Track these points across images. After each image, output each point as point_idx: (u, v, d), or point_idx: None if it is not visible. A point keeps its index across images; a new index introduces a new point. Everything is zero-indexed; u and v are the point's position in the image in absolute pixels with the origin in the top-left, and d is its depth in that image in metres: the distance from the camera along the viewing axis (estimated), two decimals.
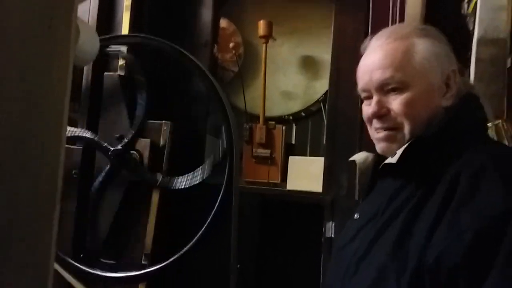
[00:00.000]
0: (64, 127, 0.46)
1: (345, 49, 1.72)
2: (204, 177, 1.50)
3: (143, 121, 1.57)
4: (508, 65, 1.46)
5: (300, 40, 2.18)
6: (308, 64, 2.17)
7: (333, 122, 1.74)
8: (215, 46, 1.97)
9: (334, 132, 1.72)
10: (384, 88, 0.87)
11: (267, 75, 2.01)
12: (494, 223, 0.68)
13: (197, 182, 1.50)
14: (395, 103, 0.86)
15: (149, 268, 1.45)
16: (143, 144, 1.55)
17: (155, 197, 1.54)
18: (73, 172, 1.55)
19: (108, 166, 1.51)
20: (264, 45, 2.01)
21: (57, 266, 1.40)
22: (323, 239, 1.60)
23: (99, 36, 1.35)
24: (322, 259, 1.60)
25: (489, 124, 1.37)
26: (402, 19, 1.55)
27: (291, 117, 2.17)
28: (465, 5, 1.63)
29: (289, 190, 1.85)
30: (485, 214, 0.69)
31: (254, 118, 2.05)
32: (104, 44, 1.26)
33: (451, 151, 0.81)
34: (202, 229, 1.43)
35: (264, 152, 1.91)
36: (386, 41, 0.89)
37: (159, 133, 1.58)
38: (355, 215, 0.95)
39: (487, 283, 0.65)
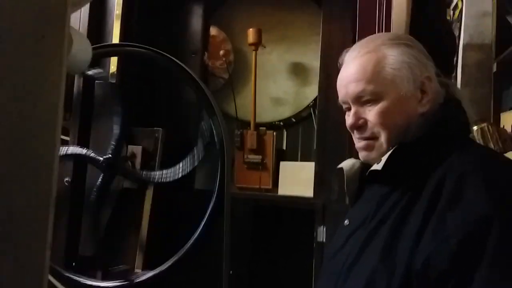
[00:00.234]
0: (58, 134, 0.46)
1: (333, 55, 1.75)
2: (196, 163, 1.50)
3: (125, 127, 1.58)
4: (494, 70, 1.49)
5: (289, 47, 2.21)
6: (298, 71, 2.20)
7: (323, 128, 1.76)
8: (206, 53, 1.99)
9: (324, 137, 1.75)
10: (360, 100, 0.90)
11: (257, 82, 2.03)
12: (478, 228, 0.69)
13: (190, 169, 1.49)
14: (371, 114, 0.88)
15: (141, 276, 1.45)
16: (135, 151, 1.56)
17: (147, 204, 1.54)
18: (65, 180, 1.56)
19: (102, 175, 1.51)
20: (254, 52, 2.03)
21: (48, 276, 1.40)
22: (314, 244, 1.61)
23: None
24: (314, 263, 1.61)
25: (475, 128, 1.40)
26: (388, 26, 1.58)
27: (281, 123, 2.20)
28: (451, 12, 1.66)
29: (280, 195, 1.86)
30: (469, 219, 0.70)
31: (245, 124, 2.07)
32: (95, 52, 1.27)
33: (435, 156, 0.82)
34: (194, 236, 1.43)
35: (255, 158, 1.92)
36: (358, 54, 0.91)
37: (151, 139, 1.59)
38: (345, 222, 0.96)
39: (473, 286, 0.66)
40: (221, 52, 2.15)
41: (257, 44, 2.02)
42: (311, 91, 2.13)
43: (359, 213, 0.91)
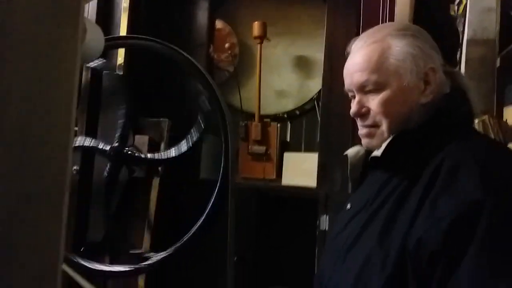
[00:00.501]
0: (72, 120, 0.48)
1: (337, 48, 1.77)
2: (197, 136, 1.54)
3: (132, 117, 1.61)
4: (497, 65, 1.51)
5: (294, 40, 2.24)
6: (302, 64, 2.22)
7: (326, 120, 1.79)
8: (211, 46, 2.02)
9: (327, 129, 1.77)
10: (364, 89, 0.92)
11: (262, 75, 2.06)
12: (469, 212, 0.71)
13: (194, 140, 1.53)
14: (373, 103, 0.91)
15: (147, 261, 1.48)
16: (142, 141, 1.60)
17: (154, 192, 1.58)
18: (73, 168, 1.60)
19: (109, 164, 1.55)
20: (258, 45, 2.06)
21: None
22: (317, 232, 1.64)
23: None
24: (316, 251, 1.65)
25: (476, 120, 1.42)
26: (392, 20, 1.60)
27: (285, 115, 2.22)
28: (455, 7, 1.68)
29: (284, 186, 1.89)
30: (461, 203, 0.72)
31: (250, 116, 2.10)
32: (106, 44, 1.30)
33: (434, 144, 0.85)
34: (199, 223, 1.46)
35: (259, 149, 1.96)
36: (365, 44, 0.94)
37: (157, 130, 1.63)
38: (347, 206, 1.00)
39: (460, 269, 0.69)
40: (227, 45, 2.18)
41: (262, 37, 2.05)
42: (315, 84, 2.16)
43: (360, 197, 0.94)
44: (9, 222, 0.42)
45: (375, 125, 0.92)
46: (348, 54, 0.98)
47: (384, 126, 0.91)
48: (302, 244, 1.80)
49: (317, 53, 2.11)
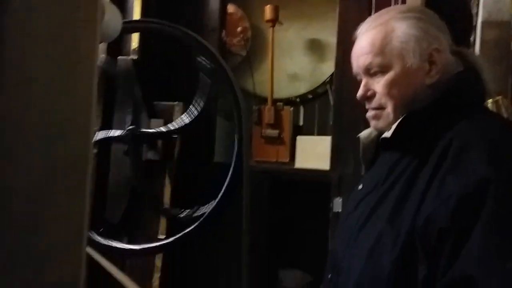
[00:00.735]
0: (93, 95, 0.50)
1: (349, 31, 1.73)
2: (205, 99, 1.55)
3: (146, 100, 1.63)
4: None
5: (306, 23, 2.23)
6: (314, 47, 2.22)
7: (339, 102, 1.79)
8: (223, 31, 2.03)
9: (340, 111, 1.78)
10: (369, 72, 0.94)
11: (274, 59, 2.06)
12: (477, 189, 0.72)
13: (204, 103, 1.54)
14: (378, 85, 0.93)
15: (164, 240, 1.52)
16: (157, 125, 1.62)
17: (170, 174, 1.61)
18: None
19: (127, 147, 1.58)
20: (271, 29, 2.06)
21: None
22: (330, 214, 1.66)
23: None
24: (329, 234, 1.66)
25: (489, 101, 1.41)
26: (404, 3, 1.59)
27: (298, 99, 2.23)
28: None
29: (297, 169, 1.91)
30: (469, 180, 0.73)
31: (263, 100, 2.11)
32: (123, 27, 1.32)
33: (444, 123, 0.86)
34: (214, 203, 1.49)
35: (272, 132, 1.97)
36: (369, 27, 0.95)
37: (171, 113, 1.65)
38: (359, 186, 1.01)
39: (468, 246, 0.70)
40: (239, 29, 2.19)
41: (274, 20, 2.05)
42: (328, 68, 2.15)
43: (372, 178, 0.96)
44: (37, 196, 0.43)
45: (381, 107, 0.94)
46: (355, 38, 0.99)
47: (389, 108, 0.92)
48: (315, 227, 1.82)
49: (329, 36, 2.10)
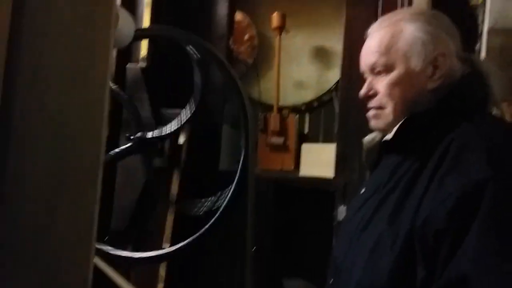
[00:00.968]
0: (106, 101, 0.51)
1: (356, 39, 1.76)
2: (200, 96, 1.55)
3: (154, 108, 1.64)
4: None
5: (313, 31, 2.24)
6: (320, 55, 2.23)
7: (345, 110, 1.80)
8: (231, 38, 2.05)
9: (346, 119, 1.79)
10: (374, 71, 0.95)
11: (280, 66, 2.08)
12: (474, 190, 0.72)
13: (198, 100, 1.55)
14: (381, 84, 0.93)
15: (169, 249, 1.52)
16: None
17: (175, 182, 1.62)
18: None
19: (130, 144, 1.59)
20: (277, 36, 2.08)
21: None
22: (335, 222, 1.66)
23: None
24: (333, 242, 1.66)
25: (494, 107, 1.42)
26: None
27: (304, 106, 2.24)
28: None
29: (302, 176, 1.91)
30: (466, 182, 0.74)
31: (268, 107, 2.13)
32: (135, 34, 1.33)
33: (445, 127, 0.86)
34: (219, 212, 1.50)
35: (278, 140, 1.98)
36: (379, 27, 0.97)
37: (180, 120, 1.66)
38: (362, 190, 1.02)
39: (464, 245, 0.71)
40: (246, 37, 2.21)
41: (281, 28, 2.07)
42: (333, 75, 2.16)
43: (374, 181, 0.97)
44: (47, 208, 0.45)
45: (381, 107, 0.94)
46: (366, 37, 1.01)
47: (389, 109, 0.93)
48: (319, 235, 1.82)
49: (336, 44, 2.12)
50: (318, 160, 1.89)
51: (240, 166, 1.52)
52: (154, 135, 1.58)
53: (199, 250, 1.59)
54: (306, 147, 1.96)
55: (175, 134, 1.60)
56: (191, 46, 1.53)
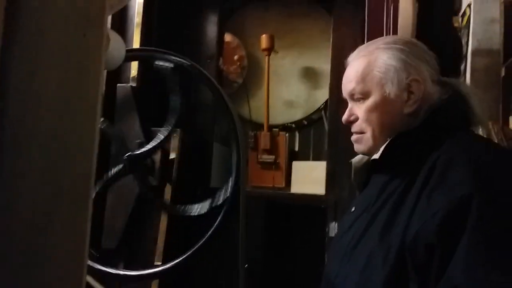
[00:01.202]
0: (98, 119, 0.52)
1: (343, 59, 1.78)
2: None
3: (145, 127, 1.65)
4: (502, 74, 1.54)
5: (301, 52, 2.29)
6: (309, 75, 2.27)
7: (334, 128, 1.83)
8: (220, 59, 2.08)
9: (335, 137, 1.81)
10: (353, 98, 1.00)
11: (270, 86, 2.11)
12: (460, 205, 0.74)
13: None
14: (360, 110, 0.98)
15: (161, 266, 1.52)
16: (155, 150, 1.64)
17: (167, 199, 1.62)
18: None
19: (121, 166, 1.59)
20: (266, 57, 2.12)
21: None
22: (326, 238, 1.67)
23: None
24: (326, 259, 1.67)
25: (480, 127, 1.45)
26: (395, 31, 1.64)
27: (293, 125, 2.27)
28: (459, 19, 1.71)
29: (293, 194, 1.93)
30: (452, 197, 0.76)
31: (259, 126, 2.15)
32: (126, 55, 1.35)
33: (430, 144, 0.89)
34: (211, 229, 1.50)
35: (268, 158, 2.00)
36: (356, 57, 1.02)
37: (169, 140, 1.68)
38: (352, 208, 1.04)
39: (454, 258, 0.72)
40: (236, 57, 2.24)
41: (270, 49, 2.10)
42: (322, 94, 2.20)
43: (364, 200, 0.98)
44: (39, 222, 0.45)
45: (361, 132, 0.98)
46: (346, 65, 1.05)
47: (368, 133, 0.97)
48: (311, 251, 1.83)
49: (323, 64, 2.16)
50: (309, 178, 1.91)
51: (230, 184, 1.53)
52: (141, 152, 1.59)
53: (191, 266, 1.59)
54: (296, 165, 1.98)
55: (158, 148, 1.61)
56: (157, 62, 1.56)
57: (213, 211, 1.57)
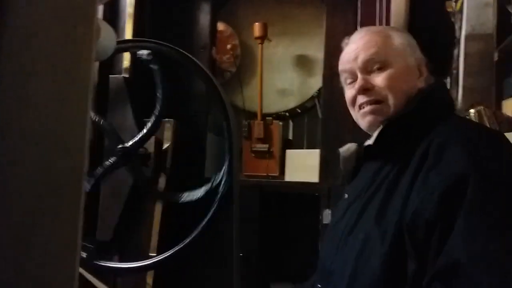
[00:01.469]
0: (88, 110, 0.52)
1: (336, 47, 1.78)
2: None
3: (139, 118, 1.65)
4: (495, 59, 1.55)
5: (294, 40, 2.28)
6: (302, 63, 2.27)
7: (327, 116, 1.84)
8: (213, 48, 2.07)
9: (328, 125, 1.82)
10: (368, 68, 0.98)
11: (263, 74, 2.11)
12: (457, 183, 0.77)
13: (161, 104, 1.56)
14: (379, 79, 0.97)
15: (156, 258, 1.53)
16: (149, 141, 1.64)
17: (161, 191, 1.63)
18: None
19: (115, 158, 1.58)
20: (259, 46, 2.11)
21: None
22: (320, 226, 1.69)
23: None
24: (319, 246, 1.69)
25: (472, 110, 1.46)
26: (388, 17, 1.65)
27: (287, 113, 2.27)
28: (453, 3, 1.71)
29: (287, 182, 1.94)
30: (449, 175, 0.79)
31: (252, 115, 2.15)
32: (117, 47, 1.34)
33: (423, 128, 0.90)
34: (205, 219, 1.51)
35: (262, 146, 2.00)
36: (368, 32, 1.03)
37: (163, 130, 1.68)
38: (345, 196, 1.05)
39: (453, 233, 0.74)
40: (228, 46, 2.23)
41: (263, 37, 2.10)
42: (315, 82, 2.20)
43: (356, 187, 0.99)
44: (28, 220, 0.45)
45: (380, 101, 0.97)
46: (346, 45, 1.04)
47: (390, 101, 0.96)
48: (305, 239, 1.84)
49: (317, 52, 2.16)
50: (303, 166, 1.92)
51: (224, 174, 1.53)
52: (133, 143, 1.58)
53: (186, 257, 1.59)
54: (290, 153, 1.99)
55: (149, 137, 1.60)
56: (139, 53, 1.56)
57: (207, 200, 1.57)
